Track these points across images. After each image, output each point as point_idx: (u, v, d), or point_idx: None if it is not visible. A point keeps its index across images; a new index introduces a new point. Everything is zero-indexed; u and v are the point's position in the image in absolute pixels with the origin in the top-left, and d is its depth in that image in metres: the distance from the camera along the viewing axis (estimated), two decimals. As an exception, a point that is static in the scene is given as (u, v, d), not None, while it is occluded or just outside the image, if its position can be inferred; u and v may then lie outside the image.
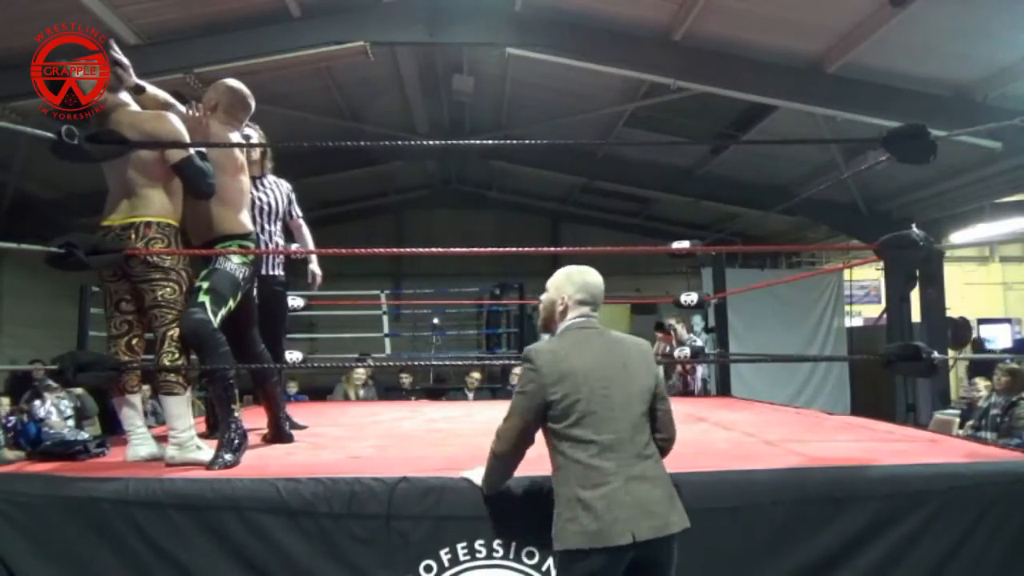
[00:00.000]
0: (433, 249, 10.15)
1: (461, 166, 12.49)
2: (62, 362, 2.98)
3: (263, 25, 6.49)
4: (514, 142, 9.29)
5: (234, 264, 3.25)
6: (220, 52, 6.39)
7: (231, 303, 3.21)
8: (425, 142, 9.35)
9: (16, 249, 3.25)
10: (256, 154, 3.99)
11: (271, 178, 4.20)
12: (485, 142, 8.85)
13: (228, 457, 3.00)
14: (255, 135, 3.91)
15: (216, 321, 3.09)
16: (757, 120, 8.01)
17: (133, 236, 3.05)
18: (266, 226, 4.04)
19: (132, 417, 3.22)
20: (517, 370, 8.29)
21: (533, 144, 11.13)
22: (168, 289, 3.08)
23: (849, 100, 6.60)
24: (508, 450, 2.35)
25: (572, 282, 2.42)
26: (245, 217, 3.42)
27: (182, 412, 3.08)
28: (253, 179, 3.80)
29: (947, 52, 6.07)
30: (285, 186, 4.30)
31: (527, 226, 13.91)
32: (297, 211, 4.40)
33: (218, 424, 4.16)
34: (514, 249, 12.10)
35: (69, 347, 5.39)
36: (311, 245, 4.49)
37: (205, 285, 3.14)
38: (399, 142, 9.48)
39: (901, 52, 6.12)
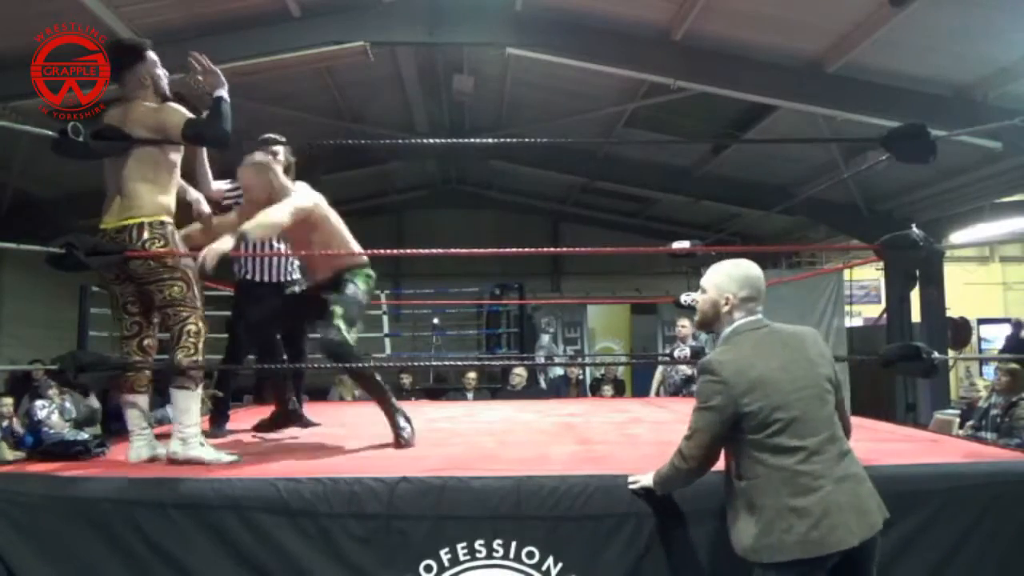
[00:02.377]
0: (433, 249, 10.13)
1: (461, 166, 12.47)
2: (62, 362, 2.98)
3: (263, 25, 6.49)
4: (514, 141, 9.28)
5: (360, 291, 3.59)
6: (220, 52, 6.30)
7: (360, 324, 3.59)
8: (426, 140, 9.34)
9: (16, 249, 3.25)
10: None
11: None
12: (485, 141, 8.84)
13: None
14: (281, 151, 3.87)
15: (350, 340, 3.40)
16: (757, 120, 8.01)
17: (127, 240, 3.02)
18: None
19: (137, 418, 3.20)
20: (519, 370, 8.30)
21: (533, 144, 11.11)
22: (176, 288, 3.07)
23: (849, 100, 6.60)
24: (695, 468, 2.26)
25: (733, 279, 2.29)
26: (356, 247, 3.69)
27: (191, 407, 3.08)
28: None
29: (947, 52, 6.07)
30: None
31: (527, 226, 13.89)
32: None
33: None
34: (514, 249, 12.07)
35: (69, 347, 5.38)
36: None
37: (339, 310, 3.44)
38: (399, 140, 9.48)
39: (901, 52, 6.12)
